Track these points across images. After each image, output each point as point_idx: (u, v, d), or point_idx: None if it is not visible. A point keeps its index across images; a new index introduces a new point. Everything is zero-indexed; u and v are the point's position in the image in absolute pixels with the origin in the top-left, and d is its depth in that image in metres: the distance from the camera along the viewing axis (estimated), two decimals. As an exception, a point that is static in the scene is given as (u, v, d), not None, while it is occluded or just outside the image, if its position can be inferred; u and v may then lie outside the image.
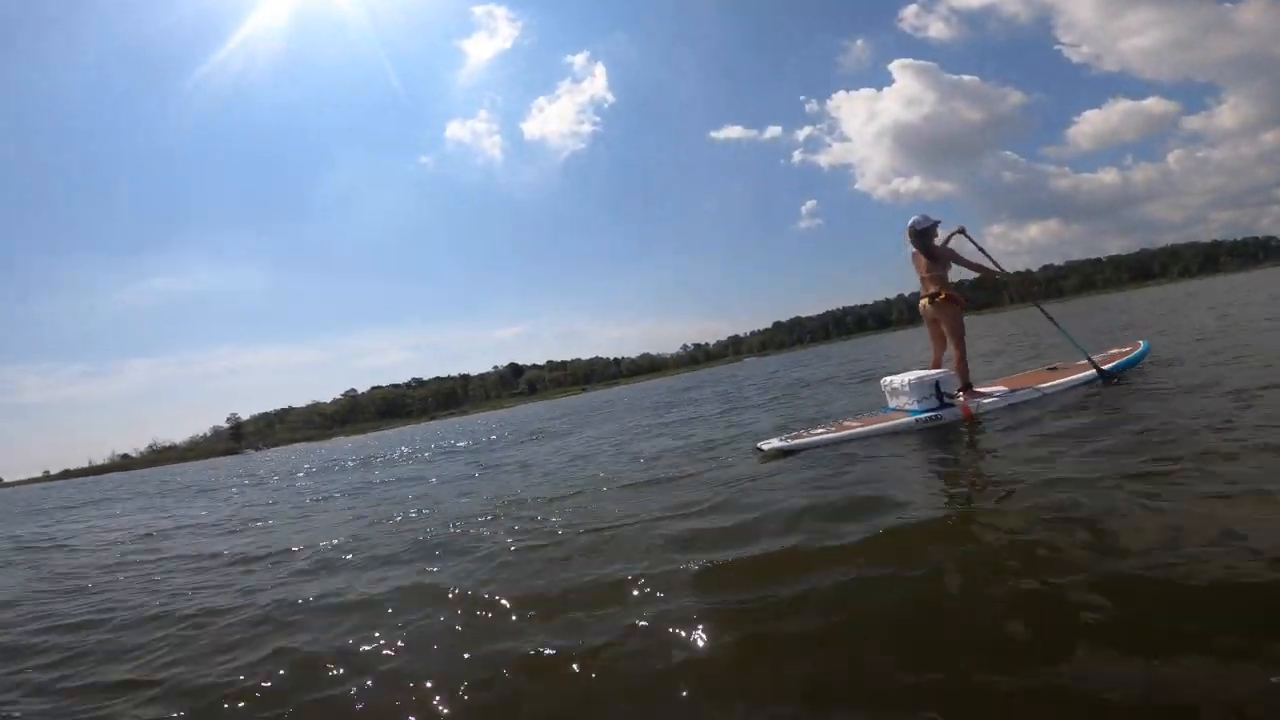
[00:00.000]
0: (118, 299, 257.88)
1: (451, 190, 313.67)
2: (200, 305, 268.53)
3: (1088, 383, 5.15)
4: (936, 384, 4.92)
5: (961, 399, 4.99)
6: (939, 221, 5.30)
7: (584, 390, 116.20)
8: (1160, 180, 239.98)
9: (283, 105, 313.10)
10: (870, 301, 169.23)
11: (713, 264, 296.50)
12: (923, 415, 4.85)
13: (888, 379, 5.39)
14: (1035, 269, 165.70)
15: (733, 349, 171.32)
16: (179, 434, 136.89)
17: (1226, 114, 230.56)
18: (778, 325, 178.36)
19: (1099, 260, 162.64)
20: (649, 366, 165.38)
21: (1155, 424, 3.59)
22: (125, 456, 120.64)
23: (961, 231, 5.48)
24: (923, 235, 5.28)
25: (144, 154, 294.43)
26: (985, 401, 4.97)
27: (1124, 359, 5.51)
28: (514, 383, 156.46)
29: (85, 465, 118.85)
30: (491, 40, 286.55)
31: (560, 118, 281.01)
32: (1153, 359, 5.85)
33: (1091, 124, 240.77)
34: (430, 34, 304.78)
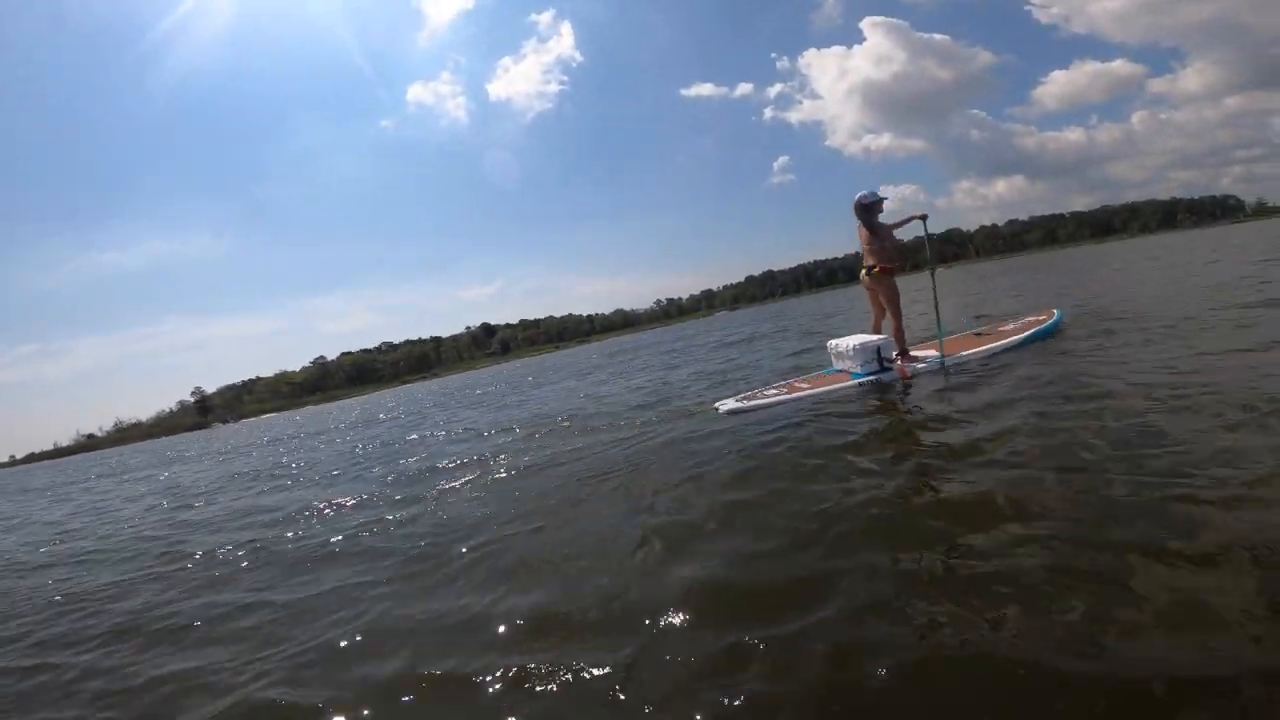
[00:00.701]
0: (62, 275, 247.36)
1: (415, 153, 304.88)
2: (153, 278, 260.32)
3: (990, 355, 5.51)
4: (878, 350, 5.35)
5: (899, 363, 5.38)
6: (884, 198, 5.58)
7: (556, 349, 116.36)
8: (1124, 140, 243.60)
9: (236, 69, 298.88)
10: (840, 255, 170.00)
11: (686, 219, 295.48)
12: (865, 378, 5.25)
13: (833, 342, 5.78)
14: (1001, 224, 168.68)
15: (705, 303, 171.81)
16: (145, 410, 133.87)
17: (1191, 78, 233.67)
18: (750, 279, 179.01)
19: (1062, 216, 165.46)
20: (622, 322, 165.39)
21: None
22: (90, 436, 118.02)
23: (922, 219, 5.62)
24: (867, 210, 5.56)
25: (87, 124, 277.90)
26: (919, 366, 5.38)
27: (1038, 328, 5.97)
28: (487, 343, 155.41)
29: (50, 447, 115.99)
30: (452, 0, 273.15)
31: (526, 78, 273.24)
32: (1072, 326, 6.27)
33: (1059, 84, 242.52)
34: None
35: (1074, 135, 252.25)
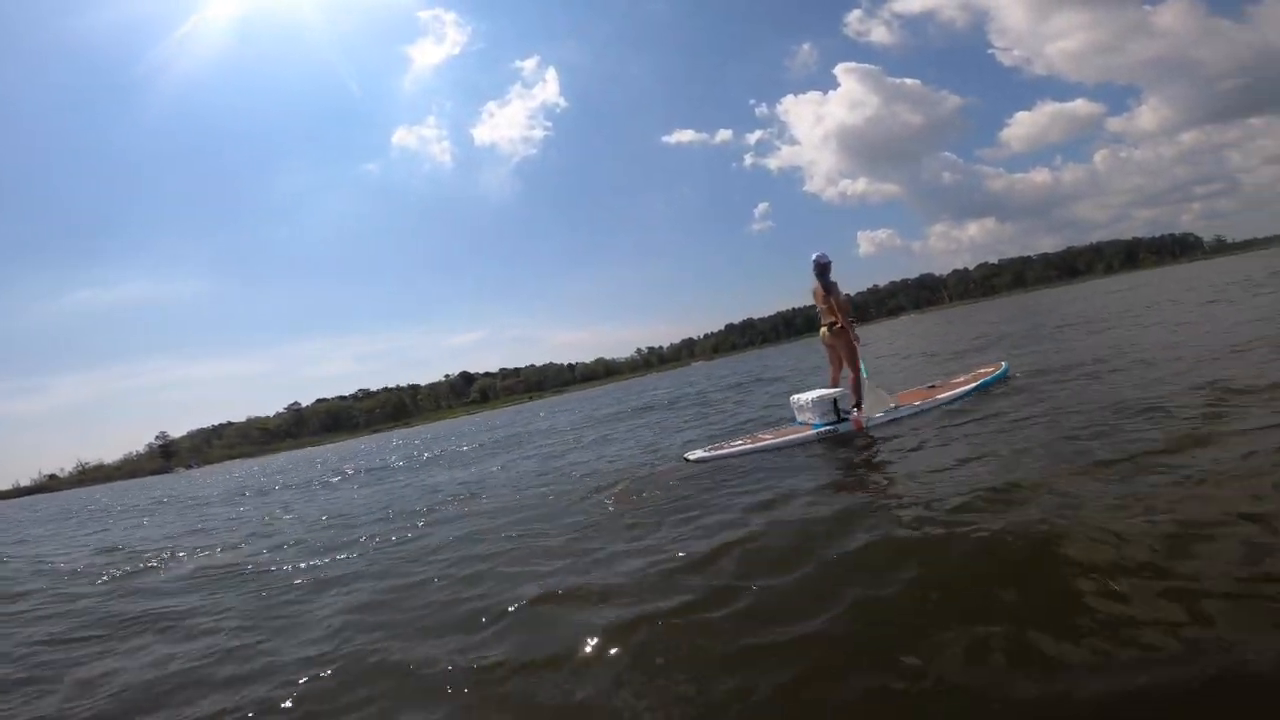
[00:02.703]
0: (42, 311, 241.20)
1: (400, 198, 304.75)
2: (132, 316, 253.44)
3: (939, 404, 5.90)
4: (834, 401, 5.67)
5: (855, 414, 5.69)
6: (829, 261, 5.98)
7: (531, 398, 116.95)
8: (1087, 180, 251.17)
9: (219, 109, 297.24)
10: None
11: (669, 267, 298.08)
12: (823, 428, 5.57)
13: (795, 397, 6.10)
14: (972, 267, 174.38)
15: (686, 352, 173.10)
16: (116, 451, 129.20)
17: (1147, 115, 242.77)
18: (730, 327, 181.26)
19: (1030, 258, 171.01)
20: (603, 371, 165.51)
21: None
22: (52, 477, 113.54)
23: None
24: (824, 269, 5.95)
25: (69, 158, 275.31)
26: (876, 416, 5.71)
27: (985, 379, 6.39)
28: (466, 391, 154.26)
29: (10, 487, 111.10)
30: (439, 46, 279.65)
31: (511, 123, 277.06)
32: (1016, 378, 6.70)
33: (1023, 125, 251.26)
34: (374, 39, 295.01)
35: (1040, 176, 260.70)
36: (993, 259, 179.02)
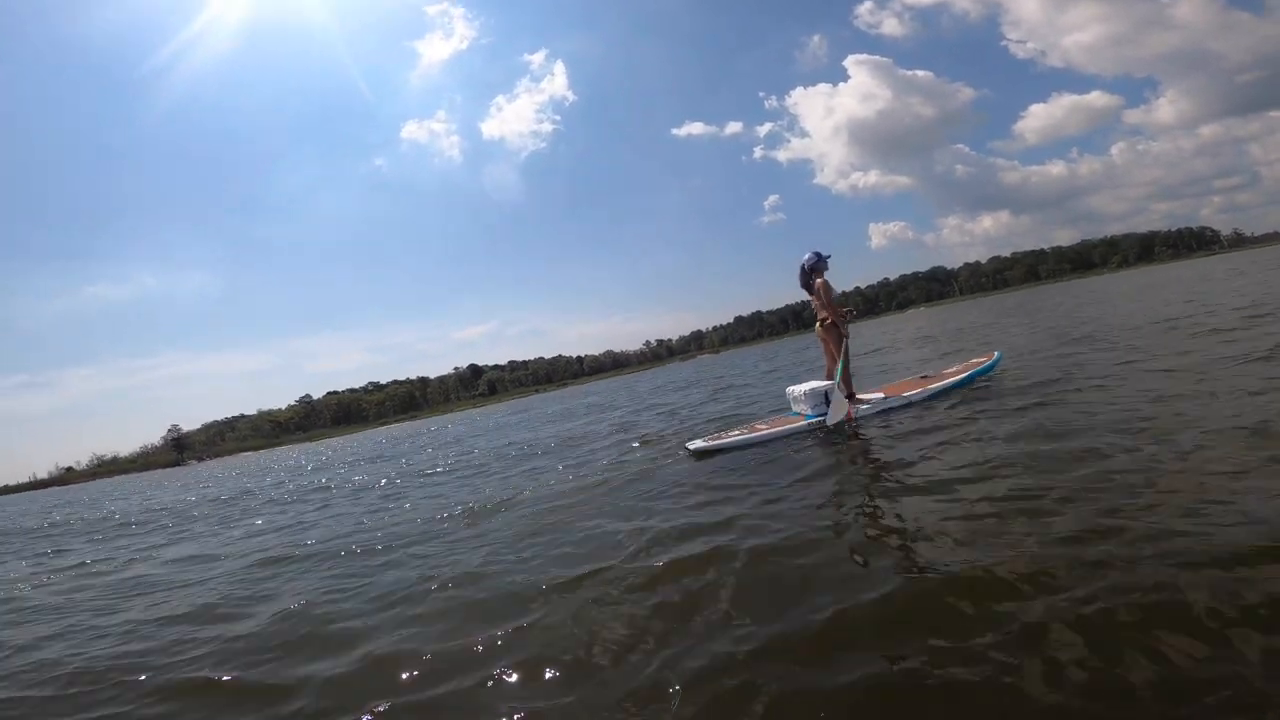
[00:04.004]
0: (53, 307, 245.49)
1: (409, 191, 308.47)
2: (144, 311, 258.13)
3: (930, 395, 5.99)
4: (826, 394, 5.85)
5: (847, 405, 5.80)
6: (828, 255, 6.15)
7: (537, 391, 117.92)
8: (1104, 172, 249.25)
9: (229, 106, 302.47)
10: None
11: (679, 260, 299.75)
12: (815, 419, 5.77)
13: (790, 389, 6.29)
14: (984, 260, 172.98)
15: (694, 344, 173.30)
16: (130, 444, 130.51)
17: (1165, 108, 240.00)
18: (739, 320, 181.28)
19: (1043, 251, 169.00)
20: (612, 364, 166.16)
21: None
22: (68, 470, 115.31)
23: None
24: (806, 273, 6.17)
25: (81, 155, 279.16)
26: (863, 407, 5.87)
27: (976, 369, 6.49)
28: (474, 384, 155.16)
29: (27, 480, 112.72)
30: (447, 41, 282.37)
31: (520, 117, 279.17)
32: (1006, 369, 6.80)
33: (1038, 118, 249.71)
34: (383, 35, 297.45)
35: (1056, 169, 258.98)
36: (1007, 252, 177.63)
